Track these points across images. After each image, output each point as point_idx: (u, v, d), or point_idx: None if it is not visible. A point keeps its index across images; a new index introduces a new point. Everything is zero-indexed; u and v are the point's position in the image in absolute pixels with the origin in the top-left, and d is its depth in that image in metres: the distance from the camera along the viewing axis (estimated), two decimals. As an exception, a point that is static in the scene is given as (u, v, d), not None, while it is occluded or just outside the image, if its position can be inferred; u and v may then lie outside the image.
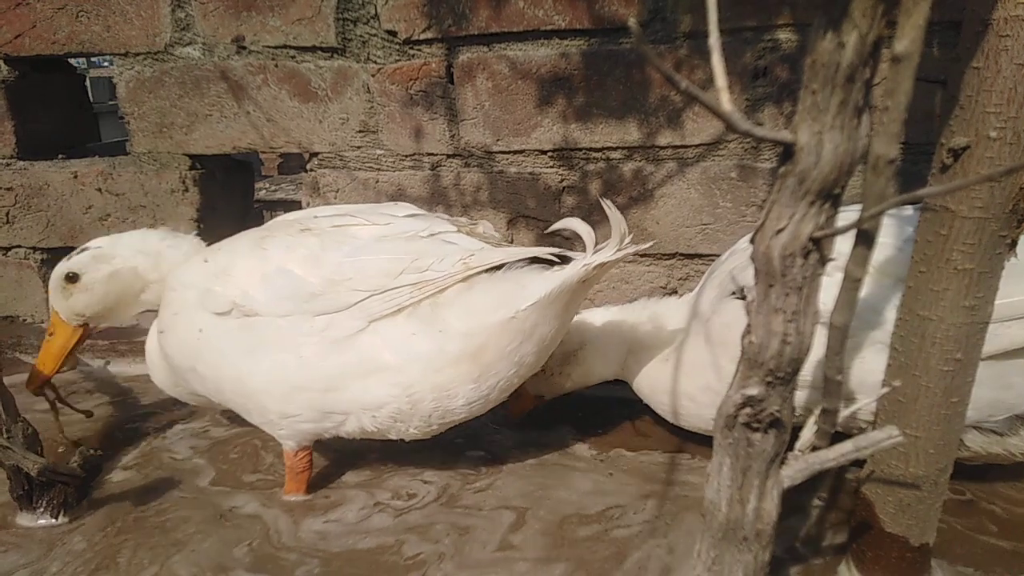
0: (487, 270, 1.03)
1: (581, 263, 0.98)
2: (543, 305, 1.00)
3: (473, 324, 1.01)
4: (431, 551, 1.02)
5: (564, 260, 1.03)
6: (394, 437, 1.10)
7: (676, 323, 1.19)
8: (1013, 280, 0.78)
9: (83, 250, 1.23)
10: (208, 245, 1.22)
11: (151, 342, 1.25)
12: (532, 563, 0.99)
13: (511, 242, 1.52)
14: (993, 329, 0.84)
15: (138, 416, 1.44)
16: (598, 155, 1.44)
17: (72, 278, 1.22)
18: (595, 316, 1.27)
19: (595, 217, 1.46)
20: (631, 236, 0.98)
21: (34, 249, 1.75)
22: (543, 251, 1.04)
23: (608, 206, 0.98)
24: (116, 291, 1.23)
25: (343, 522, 1.09)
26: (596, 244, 1.00)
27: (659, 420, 1.27)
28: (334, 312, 1.03)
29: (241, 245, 1.13)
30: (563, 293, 1.00)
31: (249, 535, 1.07)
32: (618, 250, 0.97)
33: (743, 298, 1.06)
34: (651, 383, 1.22)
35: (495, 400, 1.08)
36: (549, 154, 1.46)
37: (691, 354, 1.14)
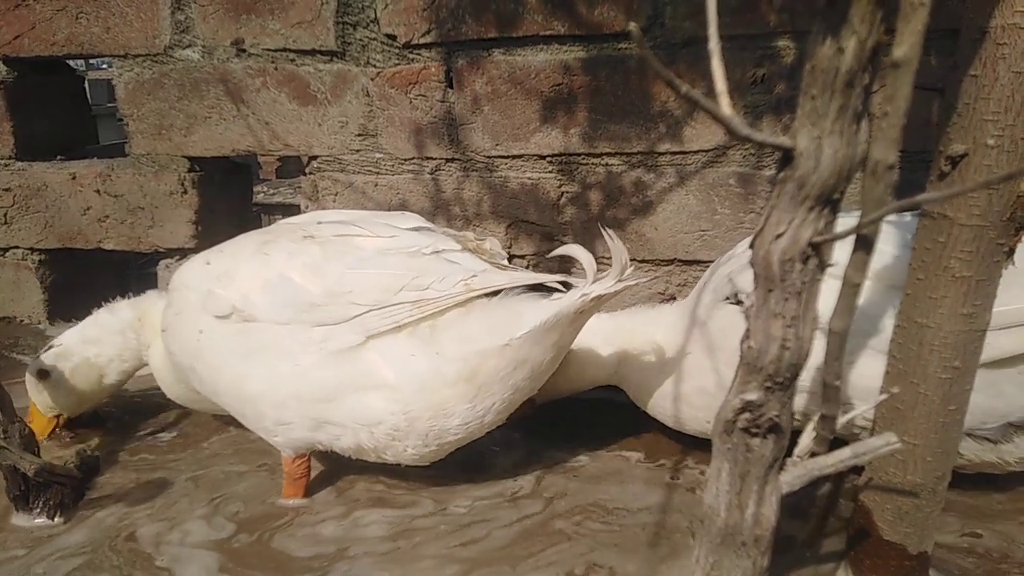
0: (487, 294, 1.03)
1: (578, 294, 0.98)
2: (538, 334, 1.00)
3: (469, 349, 1.01)
4: (383, 550, 1.02)
5: (567, 285, 1.03)
6: (391, 458, 1.09)
7: (670, 328, 1.19)
8: (1006, 288, 0.79)
9: (49, 348, 1.26)
10: (199, 253, 1.22)
11: (156, 355, 1.26)
12: (446, 561, 1.00)
13: (510, 248, 1.52)
14: (990, 338, 0.83)
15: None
16: (597, 161, 1.44)
17: (43, 375, 1.25)
18: (589, 321, 1.27)
19: (593, 227, 1.47)
20: (632, 268, 0.98)
21: (32, 250, 1.74)
22: (547, 278, 1.04)
23: (610, 236, 0.97)
24: (78, 388, 1.26)
25: (358, 523, 1.09)
26: (596, 273, 1.00)
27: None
28: (333, 324, 1.03)
29: (244, 248, 1.13)
30: (558, 323, 1.00)
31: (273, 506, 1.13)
32: (618, 281, 0.96)
33: (739, 303, 1.06)
34: (648, 388, 1.22)
35: (491, 422, 1.08)
36: (548, 159, 1.46)
37: (688, 358, 1.14)
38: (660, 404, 1.21)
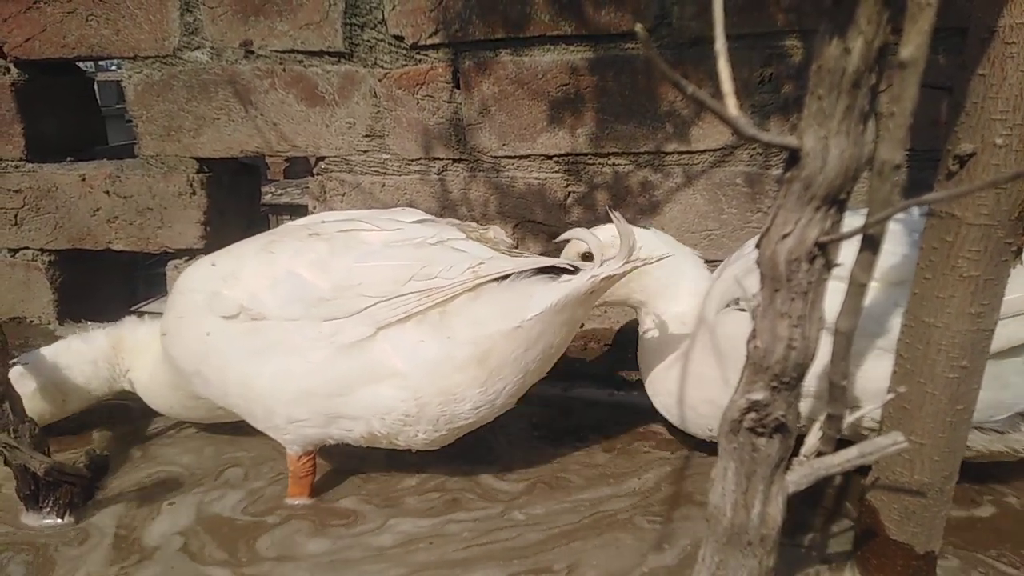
0: (496, 279, 1.03)
1: (588, 275, 0.99)
2: (549, 315, 1.01)
3: (480, 332, 1.02)
4: (355, 556, 1.02)
5: (574, 269, 1.04)
6: (402, 444, 1.09)
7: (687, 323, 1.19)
8: (1010, 277, 0.78)
9: (17, 363, 1.26)
10: (207, 254, 1.23)
11: (140, 374, 1.28)
12: (395, 566, 1.00)
13: (517, 245, 1.53)
14: (995, 329, 0.83)
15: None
16: (604, 161, 1.45)
17: None
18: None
19: (601, 224, 1.46)
20: (640, 248, 0.99)
21: (42, 251, 1.76)
22: (555, 261, 1.04)
23: (617, 218, 0.98)
24: (38, 409, 1.26)
25: (386, 530, 1.08)
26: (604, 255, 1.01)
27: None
28: (342, 317, 1.03)
29: (249, 249, 1.14)
30: (569, 304, 1.01)
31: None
32: (626, 263, 0.97)
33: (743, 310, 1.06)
34: (662, 385, 1.21)
35: (501, 406, 1.08)
36: (555, 160, 1.47)
37: (698, 365, 1.13)
38: (666, 401, 1.20)
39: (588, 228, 1.11)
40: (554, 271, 1.05)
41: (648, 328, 1.23)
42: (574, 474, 1.21)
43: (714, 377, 1.09)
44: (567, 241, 1.20)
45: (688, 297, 1.19)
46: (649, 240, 1.18)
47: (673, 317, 1.20)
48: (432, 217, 1.18)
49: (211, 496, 1.17)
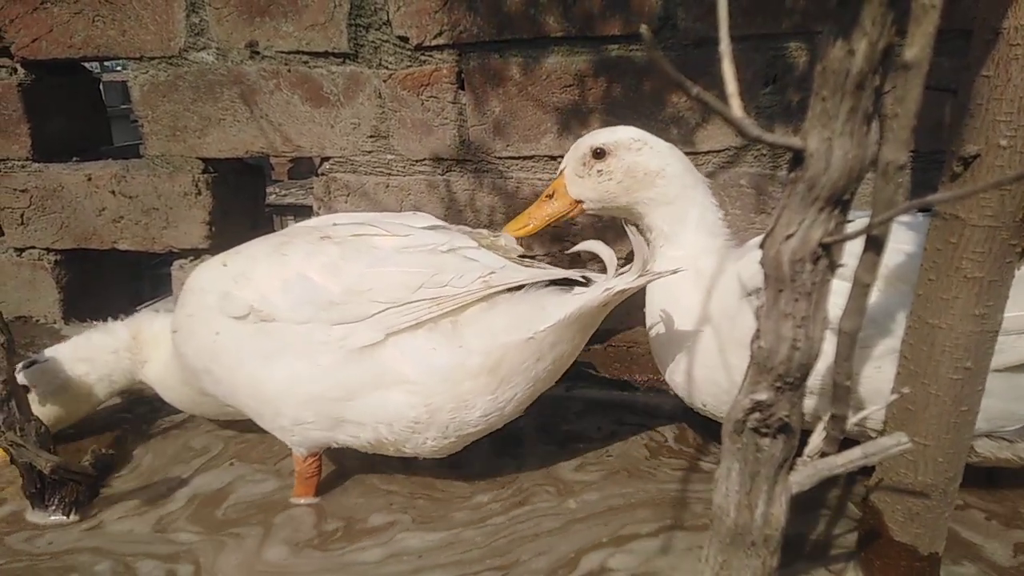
0: (508, 289, 1.04)
1: (602, 288, 0.99)
2: (561, 327, 1.01)
3: (492, 342, 1.02)
4: (306, 570, 1.02)
5: (585, 280, 1.04)
6: (410, 451, 1.09)
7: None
8: None
9: (33, 362, 1.26)
10: (212, 254, 1.23)
11: (154, 367, 1.28)
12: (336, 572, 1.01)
13: (526, 249, 1.53)
14: (1011, 342, 0.83)
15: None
16: (608, 162, 1.44)
17: (25, 390, 1.23)
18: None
19: (603, 229, 1.47)
20: (653, 262, 0.99)
21: (48, 250, 1.76)
22: (566, 273, 1.04)
23: (632, 232, 0.98)
24: (62, 404, 1.26)
25: (386, 543, 1.07)
26: (617, 268, 1.01)
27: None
28: (352, 322, 1.03)
29: (260, 250, 1.14)
30: (581, 317, 1.01)
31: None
32: (640, 276, 0.97)
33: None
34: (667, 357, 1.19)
35: (511, 414, 1.09)
36: (559, 160, 1.47)
37: (727, 356, 1.10)
38: (677, 379, 1.19)
39: (592, 229, 1.10)
40: (565, 280, 1.05)
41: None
42: (665, 465, 1.23)
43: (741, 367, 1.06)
44: (579, 253, 1.19)
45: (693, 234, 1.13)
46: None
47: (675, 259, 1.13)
48: (444, 223, 1.18)
49: (255, 477, 1.22)
